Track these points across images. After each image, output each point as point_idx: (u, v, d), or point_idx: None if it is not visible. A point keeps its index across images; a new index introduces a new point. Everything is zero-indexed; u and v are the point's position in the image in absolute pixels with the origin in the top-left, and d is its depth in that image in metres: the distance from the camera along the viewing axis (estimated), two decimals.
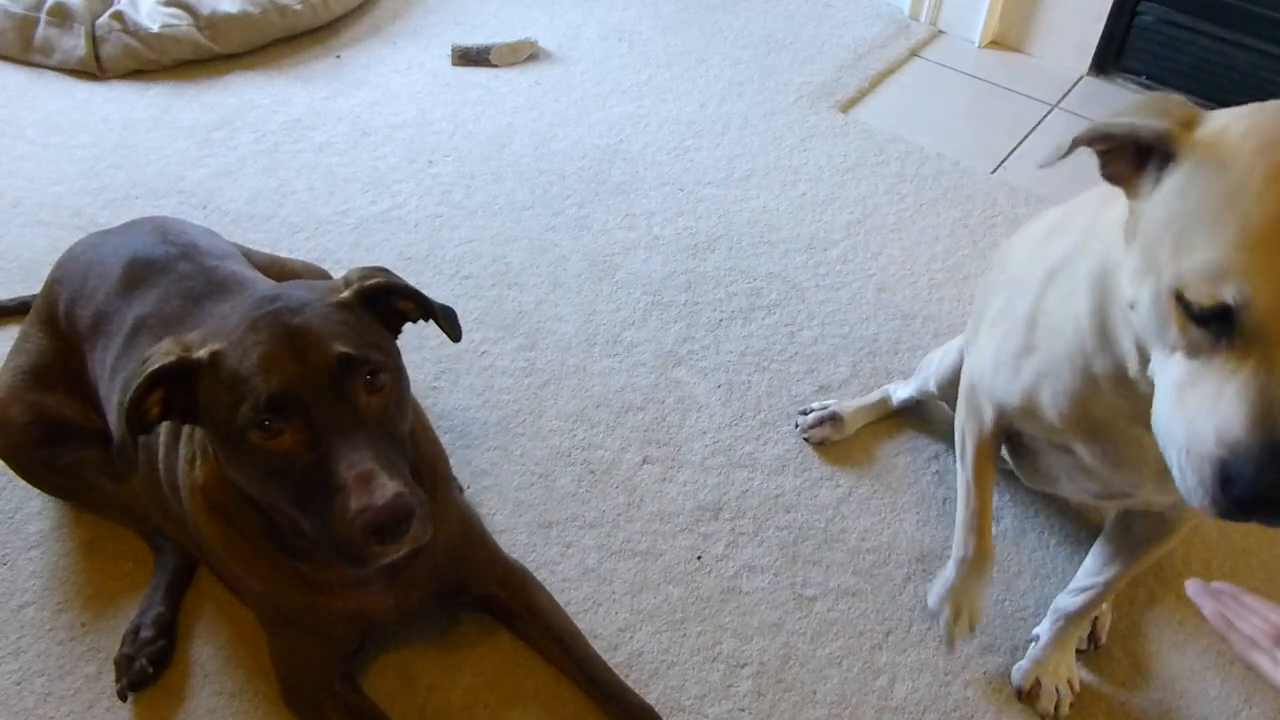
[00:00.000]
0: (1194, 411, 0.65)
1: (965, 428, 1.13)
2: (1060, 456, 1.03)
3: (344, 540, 0.86)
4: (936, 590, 1.22)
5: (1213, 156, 0.64)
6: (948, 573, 1.20)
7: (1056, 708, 1.20)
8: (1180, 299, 0.64)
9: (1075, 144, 0.71)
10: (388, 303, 0.99)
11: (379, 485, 0.84)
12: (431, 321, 1.03)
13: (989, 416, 1.07)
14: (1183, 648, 1.29)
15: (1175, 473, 0.67)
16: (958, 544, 1.18)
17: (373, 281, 0.96)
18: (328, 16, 2.41)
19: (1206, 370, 0.64)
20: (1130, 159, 0.71)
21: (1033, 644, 1.25)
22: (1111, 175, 0.72)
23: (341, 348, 0.88)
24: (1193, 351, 0.65)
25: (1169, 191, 0.67)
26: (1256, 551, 1.40)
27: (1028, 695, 1.21)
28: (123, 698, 1.18)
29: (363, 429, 0.87)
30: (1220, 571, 1.37)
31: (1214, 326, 0.63)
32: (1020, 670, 1.23)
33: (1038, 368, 0.93)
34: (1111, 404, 0.86)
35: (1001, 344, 0.99)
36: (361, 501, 0.84)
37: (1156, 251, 0.67)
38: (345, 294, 0.94)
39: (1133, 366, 0.78)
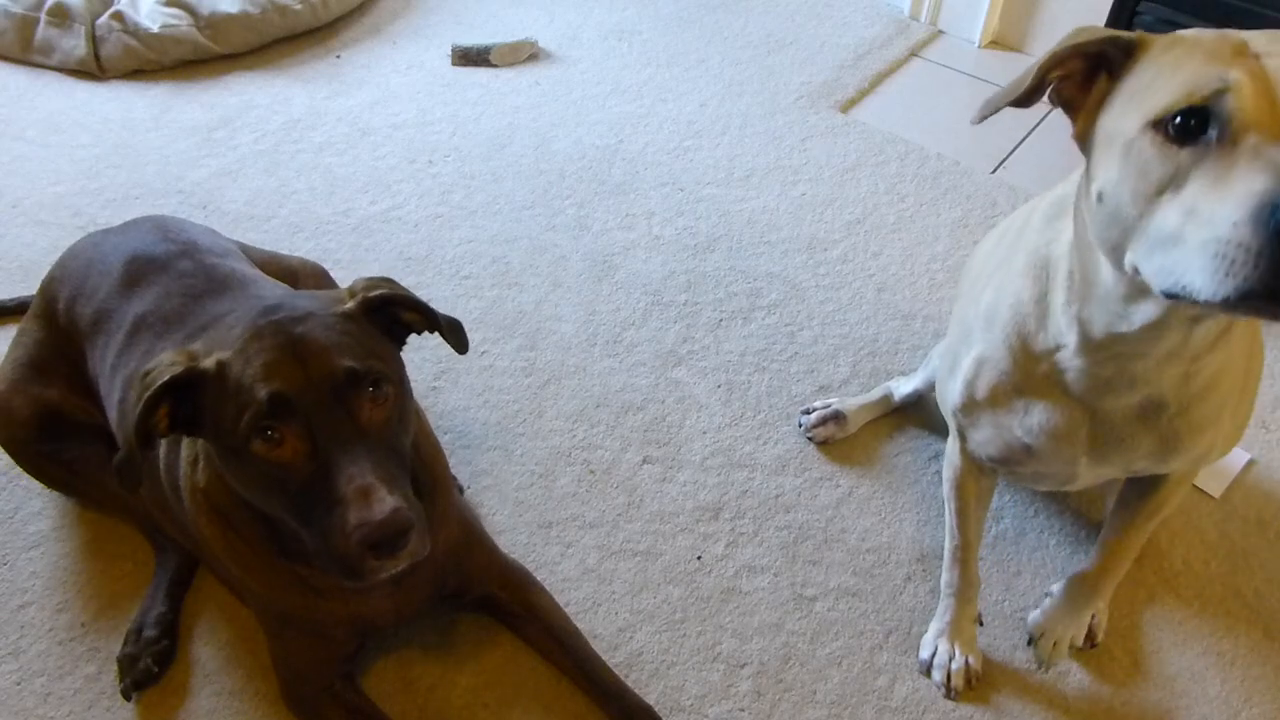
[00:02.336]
0: (1204, 218, 0.64)
1: (946, 462, 1.22)
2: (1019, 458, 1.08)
3: (342, 554, 0.85)
4: (928, 635, 1.27)
5: (1169, 44, 0.71)
6: (938, 610, 1.27)
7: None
8: (1157, 126, 0.67)
9: (1043, 70, 0.76)
10: (392, 314, 0.99)
11: (377, 500, 0.84)
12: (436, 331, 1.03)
13: (956, 432, 1.14)
14: (1182, 648, 1.29)
15: (1204, 266, 0.64)
16: (945, 572, 1.27)
17: (377, 292, 0.96)
18: (328, 17, 2.41)
19: (1201, 189, 0.65)
20: (1080, 82, 0.77)
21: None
22: (1064, 98, 0.78)
23: (346, 362, 0.88)
24: (1179, 181, 0.66)
25: (1129, 84, 0.73)
26: (1256, 552, 1.40)
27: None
28: (126, 697, 1.19)
29: (363, 442, 0.87)
30: (1220, 572, 1.37)
31: (1196, 139, 0.66)
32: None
33: (977, 356, 1.01)
34: (1045, 377, 0.95)
35: (949, 346, 1.09)
36: (360, 516, 0.83)
37: (1121, 124, 0.71)
38: (349, 305, 0.94)
39: (1070, 343, 0.88)
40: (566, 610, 1.25)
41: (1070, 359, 0.90)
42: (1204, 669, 1.27)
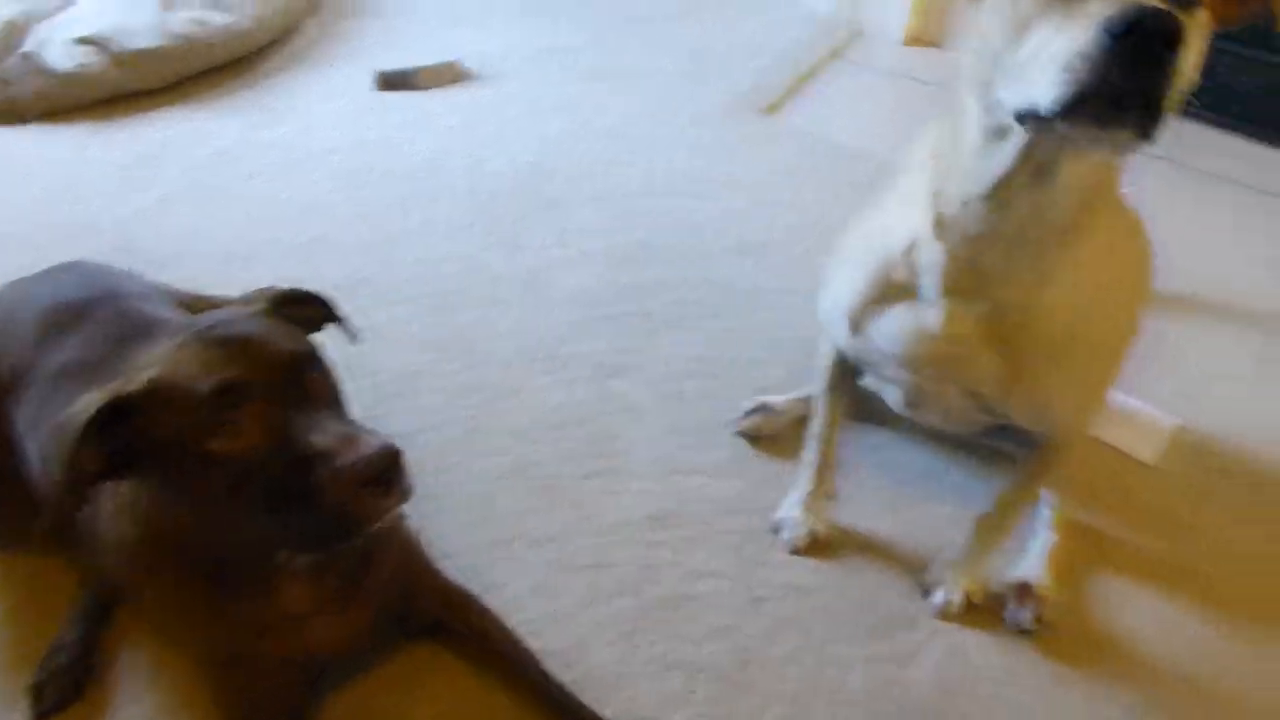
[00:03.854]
0: (1055, 41, 0.77)
1: (819, 357, 1.34)
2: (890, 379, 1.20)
3: (336, 505, 0.83)
4: (786, 501, 1.42)
5: None
6: (798, 482, 1.42)
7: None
8: None
9: None
10: (290, 314, 1.01)
11: (362, 441, 0.84)
12: (345, 339, 1.08)
13: (833, 343, 1.27)
14: (1127, 617, 1.32)
15: (1049, 78, 0.76)
16: (807, 450, 1.41)
17: (276, 290, 1.00)
18: (250, 47, 2.38)
19: (1057, 20, 0.77)
20: None
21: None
22: None
23: (288, 346, 0.89)
24: (1043, 16, 0.79)
25: None
26: (1195, 518, 1.45)
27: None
28: None
29: (325, 412, 0.88)
30: (1160, 540, 1.41)
31: None
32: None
33: (846, 275, 1.14)
34: (903, 285, 1.06)
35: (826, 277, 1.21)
36: (349, 457, 0.82)
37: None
38: (260, 305, 0.97)
39: (925, 232, 1.00)
40: (518, 630, 1.24)
41: (926, 252, 1.00)
42: (1149, 636, 1.31)
